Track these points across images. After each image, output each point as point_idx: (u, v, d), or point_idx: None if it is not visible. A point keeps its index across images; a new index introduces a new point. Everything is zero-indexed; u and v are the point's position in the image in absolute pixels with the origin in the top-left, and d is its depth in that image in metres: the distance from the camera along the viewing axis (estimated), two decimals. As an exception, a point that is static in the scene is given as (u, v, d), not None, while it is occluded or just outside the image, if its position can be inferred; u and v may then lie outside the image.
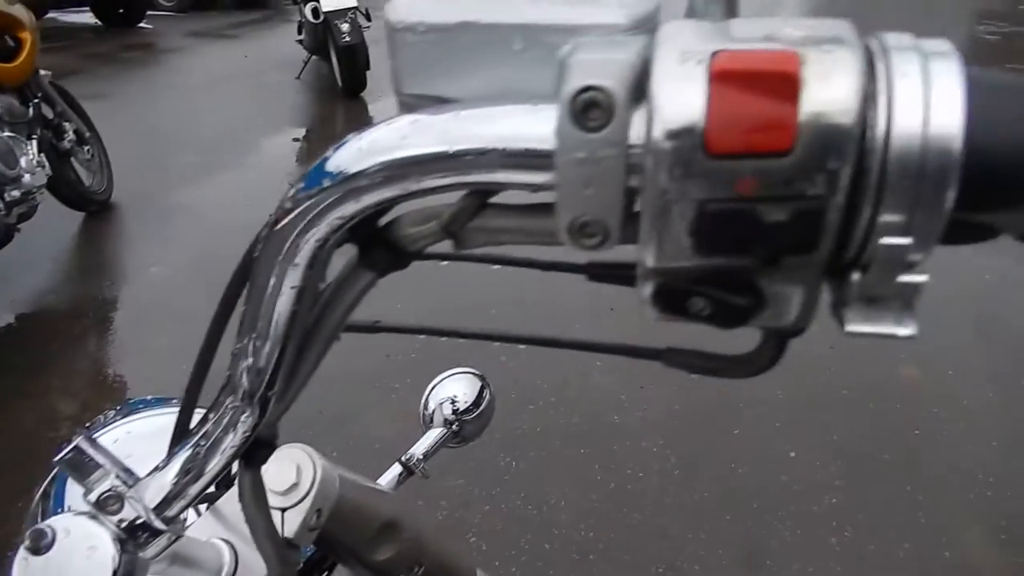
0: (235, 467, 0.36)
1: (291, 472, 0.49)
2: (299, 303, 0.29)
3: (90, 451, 0.35)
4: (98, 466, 0.35)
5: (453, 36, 0.26)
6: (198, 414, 0.36)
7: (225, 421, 0.33)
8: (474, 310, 2.47)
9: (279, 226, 0.27)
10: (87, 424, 0.68)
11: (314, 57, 5.58)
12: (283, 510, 0.49)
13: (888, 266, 0.21)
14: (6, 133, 2.66)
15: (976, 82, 0.20)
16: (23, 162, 2.67)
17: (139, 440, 0.59)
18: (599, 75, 0.21)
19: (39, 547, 0.34)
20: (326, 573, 0.60)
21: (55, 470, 0.61)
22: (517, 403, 2.08)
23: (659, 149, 0.20)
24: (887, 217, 0.20)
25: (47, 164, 2.85)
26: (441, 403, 0.75)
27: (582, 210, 0.23)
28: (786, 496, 1.78)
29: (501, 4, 0.25)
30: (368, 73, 5.08)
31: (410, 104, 0.27)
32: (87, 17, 8.05)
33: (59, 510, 0.59)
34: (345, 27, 4.80)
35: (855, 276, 0.21)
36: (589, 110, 0.21)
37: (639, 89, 0.21)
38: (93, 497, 0.35)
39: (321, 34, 5.10)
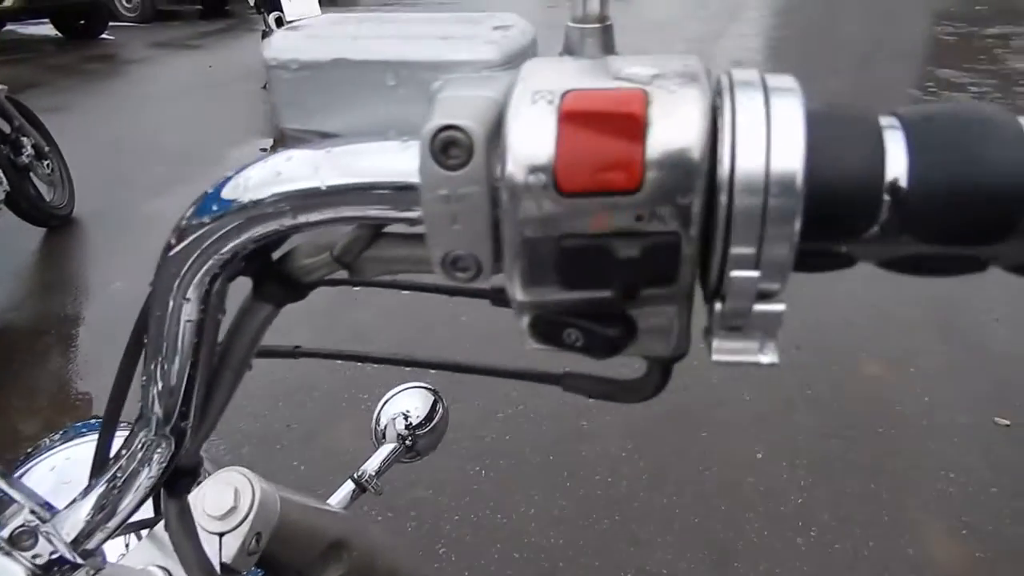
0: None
1: (228, 496, 0.49)
2: (199, 335, 0.29)
3: (2, 486, 0.35)
4: (12, 501, 0.35)
5: (327, 73, 0.26)
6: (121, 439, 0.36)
7: (140, 455, 0.33)
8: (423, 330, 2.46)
9: (172, 253, 0.27)
10: (28, 450, 0.66)
11: (280, 66, 5.54)
12: (221, 535, 0.48)
13: (742, 297, 0.21)
14: (-39, 149, 2.61)
15: (818, 117, 0.21)
16: (-21, 178, 2.62)
17: (78, 466, 0.58)
18: (458, 114, 0.21)
19: None
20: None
21: None
22: (485, 411, 2.08)
23: (513, 188, 0.21)
24: (738, 250, 0.21)
25: (5, 179, 2.80)
26: (393, 418, 0.75)
27: (452, 245, 0.23)
28: (753, 497, 1.80)
29: (374, 41, 0.26)
30: (335, 82, 5.05)
31: (297, 138, 0.27)
32: (47, 29, 7.93)
33: None
34: (310, 36, 4.78)
35: (718, 306, 0.22)
36: (449, 148, 0.21)
37: (499, 127, 0.22)
38: (5, 533, 0.34)
39: (286, 43, 5.06)
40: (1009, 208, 0.20)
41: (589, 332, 0.23)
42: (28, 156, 3.07)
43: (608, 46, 0.24)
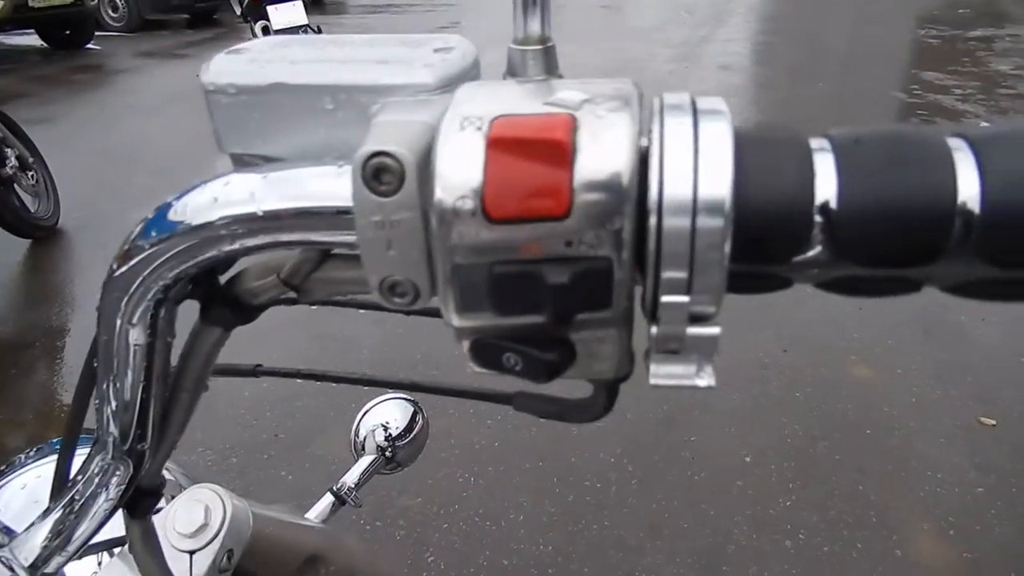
0: None
1: (199, 513, 0.48)
2: (148, 359, 0.29)
3: None
4: None
5: (265, 97, 0.26)
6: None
7: (97, 478, 0.33)
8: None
9: (115, 275, 0.26)
10: (1, 467, 0.66)
11: (267, 75, 5.53)
12: (191, 553, 0.48)
13: (675, 321, 0.21)
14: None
15: (747, 140, 0.21)
16: (-37, 191, 2.60)
17: (49, 484, 0.58)
18: (389, 140, 0.21)
19: None
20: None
21: None
22: (476, 418, 2.07)
23: (442, 215, 0.21)
24: (669, 274, 0.21)
25: (-11, 191, 2.78)
26: (373, 430, 0.74)
27: (389, 270, 0.23)
28: (742, 501, 1.80)
29: (312, 65, 0.25)
30: (322, 90, 5.05)
31: (242, 161, 0.27)
32: (32, 39, 7.89)
33: None
34: (297, 44, 4.78)
35: (654, 330, 0.22)
36: (380, 174, 0.21)
37: (431, 152, 0.22)
38: None
39: (273, 52, 5.06)
40: (937, 230, 0.20)
41: (527, 356, 0.23)
42: (12, 167, 3.05)
43: (551, 67, 0.24)
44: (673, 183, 0.20)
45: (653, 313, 0.21)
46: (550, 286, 0.21)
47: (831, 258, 0.21)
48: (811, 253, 0.21)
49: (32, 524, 0.35)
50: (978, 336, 2.41)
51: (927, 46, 6.82)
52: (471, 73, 0.26)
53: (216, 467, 1.95)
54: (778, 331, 2.44)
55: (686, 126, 0.21)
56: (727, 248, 0.20)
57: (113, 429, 0.31)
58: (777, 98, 5.34)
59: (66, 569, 0.56)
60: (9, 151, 3.06)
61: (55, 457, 0.64)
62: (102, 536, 0.50)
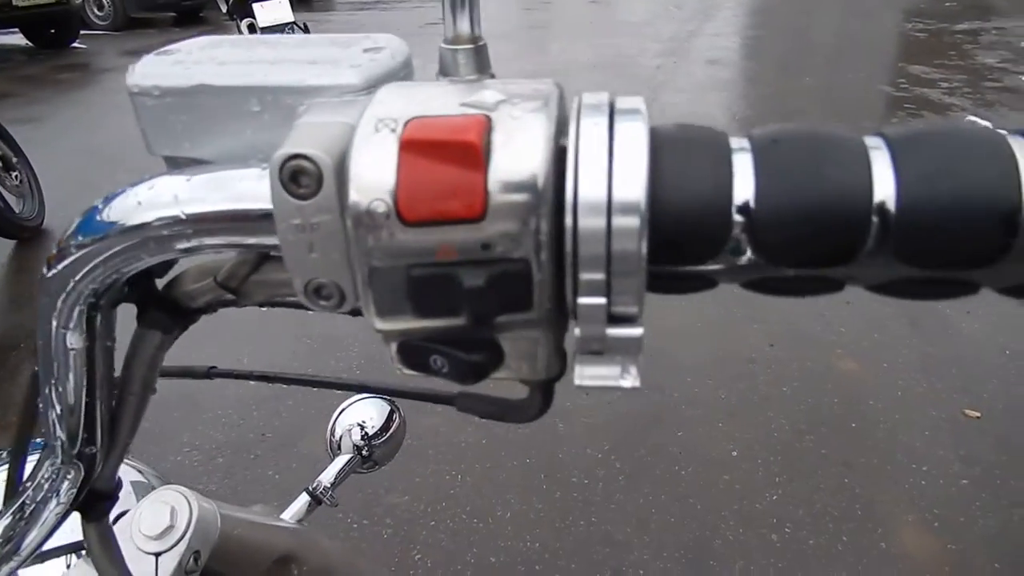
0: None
1: (165, 515, 0.48)
2: (88, 362, 0.28)
3: None
4: None
5: (190, 99, 0.25)
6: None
7: (48, 483, 0.32)
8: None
9: (48, 276, 0.26)
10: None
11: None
12: (157, 555, 0.47)
13: (594, 323, 0.21)
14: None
15: (665, 140, 0.21)
16: (-55, 191, 2.58)
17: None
18: (307, 142, 0.21)
19: None
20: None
21: None
22: (462, 416, 2.06)
23: (357, 217, 0.20)
24: (586, 276, 0.20)
25: (-29, 192, 2.76)
26: (349, 429, 0.74)
27: (312, 273, 0.23)
28: (729, 495, 1.80)
29: (239, 66, 0.25)
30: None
31: (176, 164, 0.26)
32: (17, 38, 7.83)
33: None
34: (283, 42, 4.76)
35: (577, 331, 0.21)
36: (298, 177, 0.21)
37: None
38: None
39: (259, 50, 5.05)
40: (854, 230, 0.20)
41: (453, 358, 0.22)
42: (-5, 168, 3.03)
43: (482, 66, 0.24)
44: (588, 184, 0.20)
45: (575, 314, 0.21)
46: (467, 289, 0.20)
47: (752, 259, 0.21)
48: (732, 254, 0.21)
49: None
50: (963, 329, 2.43)
51: (914, 39, 6.85)
52: (400, 73, 0.26)
53: (202, 467, 1.94)
54: (765, 326, 2.45)
55: (602, 126, 0.20)
56: (644, 249, 0.20)
57: (60, 433, 0.30)
58: (765, 92, 5.35)
59: (33, 573, 0.56)
60: (-8, 151, 3.04)
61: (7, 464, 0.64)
62: (72, 539, 0.49)
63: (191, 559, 0.48)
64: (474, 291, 0.20)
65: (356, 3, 10.42)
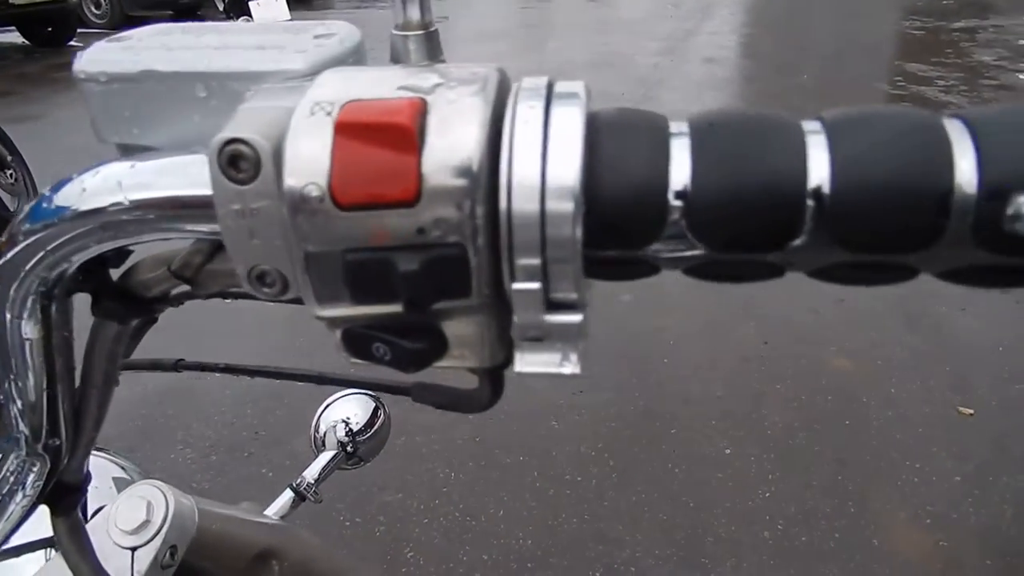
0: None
1: (141, 510, 0.48)
2: (46, 353, 0.28)
3: None
4: None
5: (137, 85, 0.25)
6: None
7: (12, 477, 0.32)
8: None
9: (1, 262, 0.26)
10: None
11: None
12: (133, 549, 0.48)
13: (531, 309, 0.21)
14: (-81, 160, 2.57)
15: (603, 125, 0.21)
16: (-61, 190, 2.58)
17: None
18: (245, 127, 0.21)
19: None
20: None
21: None
22: (457, 413, 2.07)
23: (291, 202, 0.20)
24: (522, 261, 0.20)
25: (-34, 191, 2.76)
26: (333, 425, 0.74)
27: (255, 260, 0.23)
28: (721, 493, 1.80)
29: (186, 52, 0.25)
30: (306, 86, 5.03)
31: (127, 151, 0.26)
32: (14, 37, 7.81)
33: None
34: (279, 40, 4.76)
35: (515, 318, 0.21)
36: (237, 162, 0.21)
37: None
38: None
39: (255, 48, 5.04)
40: (788, 214, 0.20)
41: (395, 346, 0.22)
42: (-10, 166, 3.03)
43: (433, 52, 0.24)
44: (521, 168, 0.20)
45: (511, 300, 0.21)
46: (401, 273, 0.20)
47: (691, 244, 0.21)
48: (671, 239, 0.21)
49: None
50: (958, 326, 2.43)
51: (911, 37, 6.85)
52: (349, 59, 0.26)
53: (196, 465, 1.95)
54: (759, 323, 2.45)
55: (537, 110, 0.20)
56: (579, 233, 0.20)
57: (23, 427, 0.30)
58: (762, 89, 5.35)
59: (10, 568, 0.56)
60: (-13, 150, 3.04)
61: None
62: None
63: (167, 554, 0.48)
64: (409, 276, 0.20)
65: (354, 1, 10.40)
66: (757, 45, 6.87)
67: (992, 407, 2.04)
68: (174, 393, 2.17)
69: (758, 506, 1.76)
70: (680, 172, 0.20)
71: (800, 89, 5.27)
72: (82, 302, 0.29)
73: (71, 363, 0.30)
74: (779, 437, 1.97)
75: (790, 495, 1.78)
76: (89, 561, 0.38)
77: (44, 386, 0.29)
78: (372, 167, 0.20)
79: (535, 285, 0.20)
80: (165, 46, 0.26)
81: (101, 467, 0.66)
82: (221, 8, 5.38)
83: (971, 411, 2.02)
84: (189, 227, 0.24)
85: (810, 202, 0.19)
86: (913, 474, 1.82)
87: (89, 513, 0.54)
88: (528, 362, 0.22)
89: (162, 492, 0.49)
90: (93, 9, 8.70)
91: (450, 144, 0.20)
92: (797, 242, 0.20)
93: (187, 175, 0.23)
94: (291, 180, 0.20)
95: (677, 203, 0.20)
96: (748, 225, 0.20)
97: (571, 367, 0.22)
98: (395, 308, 0.21)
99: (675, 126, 0.21)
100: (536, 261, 0.20)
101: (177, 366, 0.41)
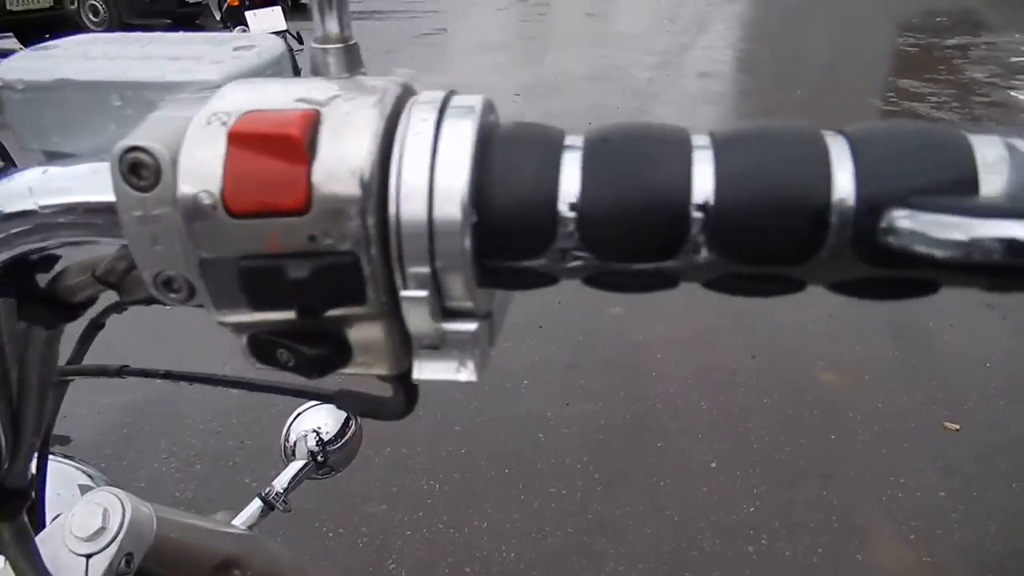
0: None
1: (97, 517, 0.48)
2: None
3: None
4: None
5: (53, 94, 0.26)
6: None
7: None
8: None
9: None
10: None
11: (246, 80, 5.52)
12: (88, 556, 0.47)
13: (422, 316, 0.21)
14: (-91, 166, 2.57)
15: (496, 138, 0.21)
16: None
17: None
18: (147, 135, 0.21)
19: None
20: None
21: None
22: (442, 424, 2.07)
23: (185, 209, 0.21)
24: (412, 269, 0.21)
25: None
26: (304, 434, 0.74)
27: (159, 266, 0.23)
28: (706, 507, 1.80)
29: (103, 62, 0.26)
30: (301, 96, 5.04)
31: (52, 158, 0.27)
32: (10, 43, 7.83)
33: None
34: (275, 50, 4.77)
35: (408, 325, 0.22)
36: (138, 169, 0.21)
37: None
38: None
39: (252, 57, 5.06)
40: (672, 227, 0.20)
41: (298, 353, 0.23)
42: (-18, 173, 3.03)
43: (353, 65, 0.24)
44: (410, 177, 0.20)
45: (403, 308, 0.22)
46: (292, 280, 0.21)
47: (582, 255, 0.21)
48: (564, 250, 0.21)
49: None
50: (945, 342, 2.43)
51: (904, 54, 6.90)
52: (266, 72, 0.26)
53: (180, 474, 1.94)
54: (747, 337, 2.46)
55: (429, 122, 0.21)
56: (467, 243, 0.20)
57: None
58: (756, 104, 5.38)
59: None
60: (-21, 156, 3.05)
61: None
62: None
63: (122, 561, 0.48)
64: (299, 283, 0.21)
65: (353, 13, 10.44)
66: (752, 60, 6.92)
67: (978, 422, 2.04)
68: (160, 402, 2.17)
69: (742, 520, 1.75)
70: (571, 185, 0.20)
71: (794, 104, 5.30)
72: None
73: (5, 367, 0.30)
74: (765, 451, 1.97)
75: (775, 509, 1.78)
76: (36, 567, 0.38)
77: None
78: (263, 176, 0.20)
79: (423, 293, 0.21)
80: (85, 55, 0.26)
81: (66, 474, 0.65)
82: (218, 18, 5.40)
83: (957, 426, 2.02)
84: (97, 234, 0.24)
85: (698, 214, 0.20)
86: (898, 489, 1.82)
87: (48, 520, 0.54)
88: (426, 369, 0.23)
89: (119, 499, 0.49)
90: (91, 16, 8.74)
91: (341, 154, 0.20)
92: (687, 254, 0.20)
93: (94, 182, 0.24)
94: (185, 187, 0.21)
95: (570, 215, 0.20)
96: (636, 237, 0.20)
97: (467, 374, 0.22)
98: (292, 315, 0.22)
99: (571, 140, 0.22)
100: (425, 269, 0.21)
101: (121, 372, 0.41)
